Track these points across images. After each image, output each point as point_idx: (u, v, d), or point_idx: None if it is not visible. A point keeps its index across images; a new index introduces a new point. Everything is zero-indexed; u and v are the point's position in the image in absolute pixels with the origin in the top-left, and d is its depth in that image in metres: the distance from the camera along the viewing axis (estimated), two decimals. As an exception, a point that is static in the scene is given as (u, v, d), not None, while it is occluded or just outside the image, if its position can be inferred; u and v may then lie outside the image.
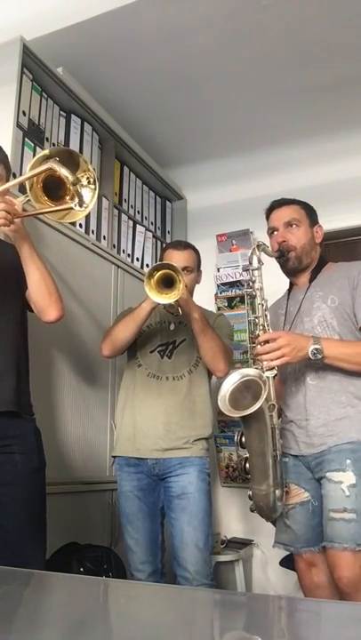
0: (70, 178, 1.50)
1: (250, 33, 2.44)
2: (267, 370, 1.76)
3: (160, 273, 1.92)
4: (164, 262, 2.00)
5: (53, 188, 1.58)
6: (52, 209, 1.59)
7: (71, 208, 1.56)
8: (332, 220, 3.03)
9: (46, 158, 1.58)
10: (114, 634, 0.78)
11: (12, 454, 1.62)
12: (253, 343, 1.82)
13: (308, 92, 2.81)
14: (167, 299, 1.91)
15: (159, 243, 3.32)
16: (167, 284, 1.93)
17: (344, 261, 2.01)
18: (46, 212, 1.62)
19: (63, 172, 1.49)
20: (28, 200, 1.60)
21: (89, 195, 1.58)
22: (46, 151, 1.60)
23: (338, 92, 2.80)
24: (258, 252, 1.87)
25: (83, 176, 1.58)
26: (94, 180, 1.58)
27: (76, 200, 1.53)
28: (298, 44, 2.50)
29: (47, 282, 1.72)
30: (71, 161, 1.58)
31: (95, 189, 1.58)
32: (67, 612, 0.88)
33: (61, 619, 0.85)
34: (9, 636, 0.70)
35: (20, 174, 2.22)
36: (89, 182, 1.58)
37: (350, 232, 3.21)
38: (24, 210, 1.63)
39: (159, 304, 2.03)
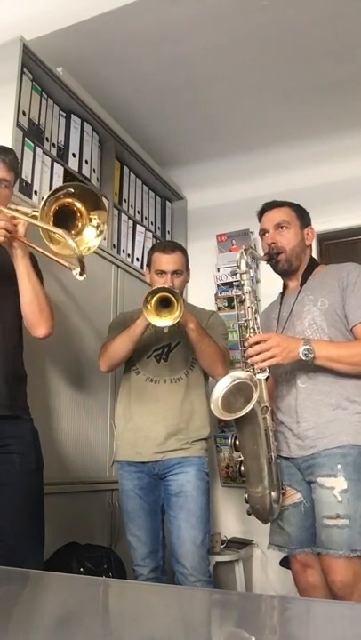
0: (77, 252, 1.54)
1: (250, 33, 2.44)
2: (258, 372, 1.76)
3: (157, 296, 1.95)
4: (160, 287, 2.01)
5: (64, 218, 1.63)
6: (52, 256, 1.62)
7: (70, 268, 1.60)
8: (332, 220, 3.05)
9: (58, 190, 1.61)
10: (113, 634, 0.78)
11: (10, 454, 1.62)
12: (244, 346, 1.82)
13: (309, 92, 2.81)
14: (167, 321, 1.95)
15: (159, 243, 3.33)
16: (164, 304, 1.96)
17: (343, 262, 2.01)
18: (46, 255, 1.64)
19: (71, 244, 1.53)
20: (35, 217, 1.62)
21: (93, 234, 1.63)
22: (69, 186, 1.64)
23: (338, 92, 2.80)
24: (246, 256, 1.87)
25: (95, 218, 1.63)
26: (102, 230, 1.63)
27: (78, 269, 1.56)
28: (298, 44, 2.50)
29: (40, 300, 1.72)
30: (93, 202, 1.64)
31: (100, 235, 1.64)
32: (66, 612, 0.88)
33: (61, 619, 0.85)
34: (7, 636, 0.70)
35: (20, 174, 2.22)
36: (97, 227, 1.63)
37: (350, 232, 3.21)
38: (28, 226, 1.65)
39: None
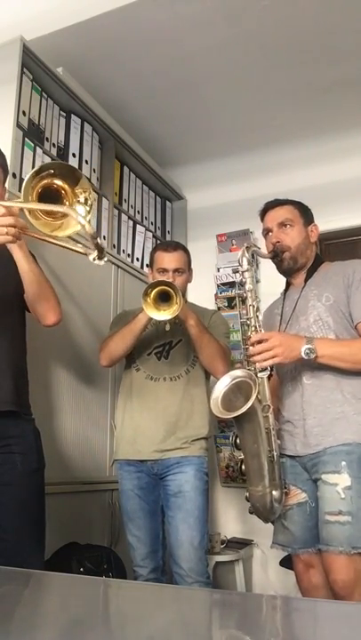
0: (89, 231, 1.38)
1: (250, 33, 2.44)
2: (260, 371, 1.76)
3: (156, 289, 1.95)
4: (159, 280, 2.03)
5: (49, 199, 1.51)
6: (62, 244, 1.49)
7: (85, 254, 1.43)
8: (332, 220, 3.04)
9: (37, 173, 1.51)
10: (114, 634, 0.78)
11: (11, 454, 1.62)
12: (246, 345, 1.81)
13: (309, 92, 2.81)
14: (166, 314, 1.96)
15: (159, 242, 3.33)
16: (164, 298, 1.97)
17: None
18: (55, 243, 1.53)
19: (82, 221, 1.39)
20: (21, 208, 1.56)
21: (82, 212, 1.51)
22: (43, 165, 1.52)
23: (338, 93, 2.80)
24: (247, 254, 1.87)
25: (80, 192, 1.51)
26: (91, 204, 1.52)
27: (95, 253, 1.41)
28: (298, 44, 2.50)
29: (44, 288, 1.72)
30: (71, 177, 1.52)
31: (91, 209, 1.52)
32: (67, 612, 0.88)
33: (61, 619, 0.85)
34: (8, 636, 0.70)
35: (20, 174, 2.23)
36: (86, 202, 1.53)
37: (350, 232, 3.20)
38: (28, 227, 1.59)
39: None
